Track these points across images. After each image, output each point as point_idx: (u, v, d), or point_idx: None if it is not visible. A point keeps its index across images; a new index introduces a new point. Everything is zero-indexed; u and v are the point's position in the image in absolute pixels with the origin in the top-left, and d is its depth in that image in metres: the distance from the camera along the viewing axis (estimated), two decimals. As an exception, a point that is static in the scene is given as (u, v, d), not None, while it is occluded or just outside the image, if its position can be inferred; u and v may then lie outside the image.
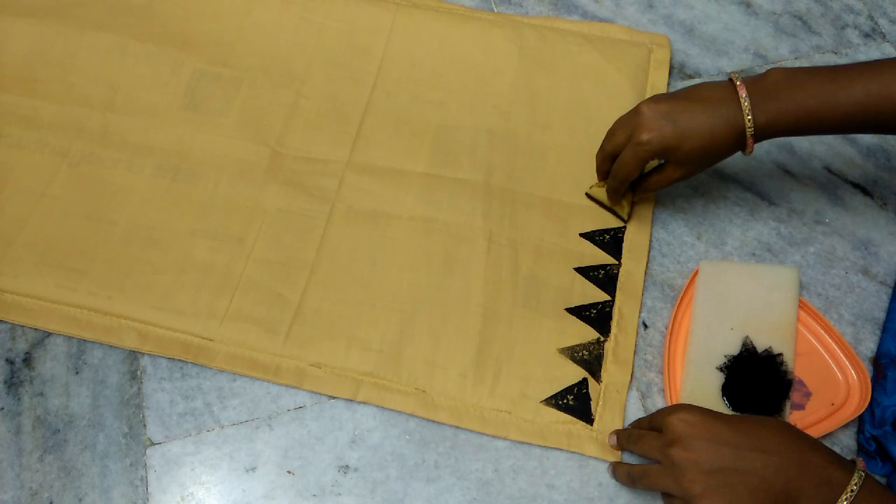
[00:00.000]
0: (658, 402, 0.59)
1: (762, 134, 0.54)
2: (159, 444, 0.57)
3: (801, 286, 0.63)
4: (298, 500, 0.56)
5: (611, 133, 0.59)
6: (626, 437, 0.54)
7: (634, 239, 0.64)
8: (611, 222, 0.65)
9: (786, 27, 0.76)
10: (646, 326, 0.62)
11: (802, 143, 0.70)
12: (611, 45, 0.73)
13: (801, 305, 0.61)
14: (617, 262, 0.63)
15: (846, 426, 0.58)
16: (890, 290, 0.63)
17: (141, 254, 0.63)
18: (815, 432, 0.56)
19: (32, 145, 0.68)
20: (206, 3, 0.75)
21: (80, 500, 0.56)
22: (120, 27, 0.73)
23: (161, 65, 0.71)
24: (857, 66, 0.53)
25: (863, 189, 0.68)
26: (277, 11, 0.74)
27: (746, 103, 0.53)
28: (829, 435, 0.57)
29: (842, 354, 0.59)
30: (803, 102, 0.53)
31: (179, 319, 0.61)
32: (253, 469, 0.57)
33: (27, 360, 0.60)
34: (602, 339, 0.60)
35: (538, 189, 0.66)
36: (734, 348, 0.59)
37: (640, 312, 0.62)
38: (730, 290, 0.61)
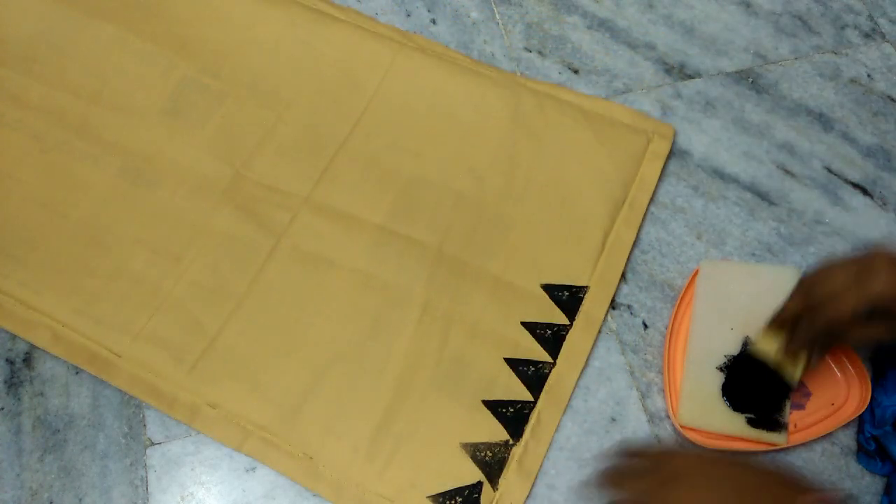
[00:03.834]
0: (658, 402, 0.59)
1: None
2: (159, 444, 0.57)
3: (801, 286, 0.63)
4: (298, 500, 0.56)
5: (826, 276, 0.51)
6: (608, 475, 0.48)
7: (578, 341, 0.60)
8: (556, 318, 0.61)
9: (786, 27, 0.76)
10: (646, 326, 0.62)
11: (803, 143, 0.70)
12: (609, 126, 0.69)
13: (801, 305, 0.61)
14: (552, 362, 0.59)
15: (846, 426, 0.58)
16: (890, 290, 0.63)
17: (81, 253, 0.63)
18: (814, 432, 0.56)
19: (13, 124, 0.68)
20: (214, 10, 0.74)
21: (80, 500, 0.56)
22: (125, 20, 0.73)
23: (153, 65, 0.71)
24: None
25: (863, 189, 0.68)
26: (280, 30, 0.73)
27: None
28: (829, 435, 0.57)
29: (842, 354, 0.59)
30: None
31: (95, 328, 0.60)
32: (253, 469, 0.57)
33: (27, 360, 0.60)
34: (511, 441, 0.57)
35: (491, 265, 0.63)
36: (734, 348, 0.59)
37: (558, 424, 0.58)
38: (730, 290, 0.61)
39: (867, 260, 0.50)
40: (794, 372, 0.54)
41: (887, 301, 0.48)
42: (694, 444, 0.56)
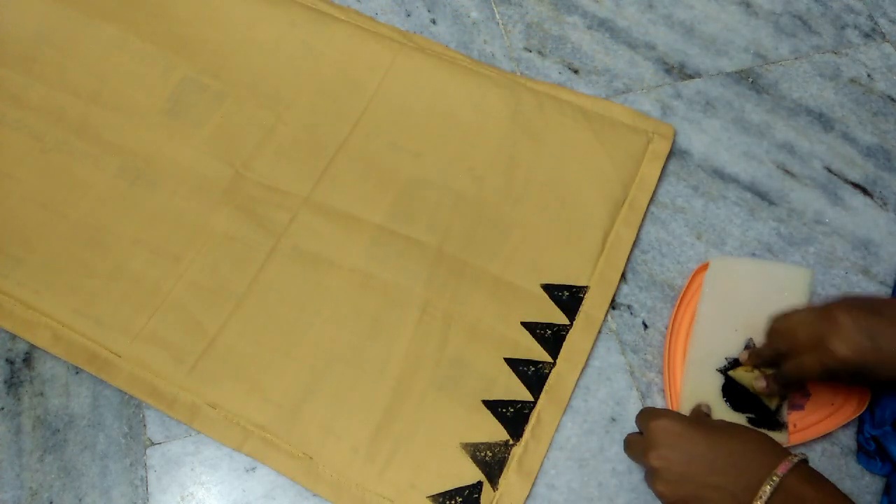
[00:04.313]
0: (658, 402, 0.59)
1: None
2: (159, 444, 0.57)
3: (801, 286, 0.62)
4: (298, 500, 0.56)
5: (788, 331, 0.52)
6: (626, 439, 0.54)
7: (578, 341, 0.60)
8: (556, 318, 0.61)
9: (786, 27, 0.76)
10: (646, 326, 0.62)
11: (803, 143, 0.70)
12: (609, 126, 0.69)
13: (802, 305, 0.61)
14: (551, 362, 0.59)
15: (846, 426, 0.58)
16: (890, 290, 0.63)
17: (81, 253, 0.63)
18: (814, 432, 0.56)
19: (13, 124, 0.68)
20: (214, 9, 0.73)
21: (80, 500, 0.56)
22: (126, 20, 0.73)
23: (153, 66, 0.71)
24: None
25: (863, 189, 0.68)
26: (281, 31, 0.72)
27: None
28: (829, 435, 0.57)
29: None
30: None
31: (95, 328, 0.60)
32: (253, 469, 0.57)
33: (27, 360, 0.60)
34: (511, 441, 0.56)
35: (491, 265, 0.63)
36: (736, 350, 0.58)
37: (558, 424, 0.58)
38: (739, 289, 0.60)
39: (830, 317, 0.49)
40: (771, 402, 0.56)
41: (848, 368, 0.49)
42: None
